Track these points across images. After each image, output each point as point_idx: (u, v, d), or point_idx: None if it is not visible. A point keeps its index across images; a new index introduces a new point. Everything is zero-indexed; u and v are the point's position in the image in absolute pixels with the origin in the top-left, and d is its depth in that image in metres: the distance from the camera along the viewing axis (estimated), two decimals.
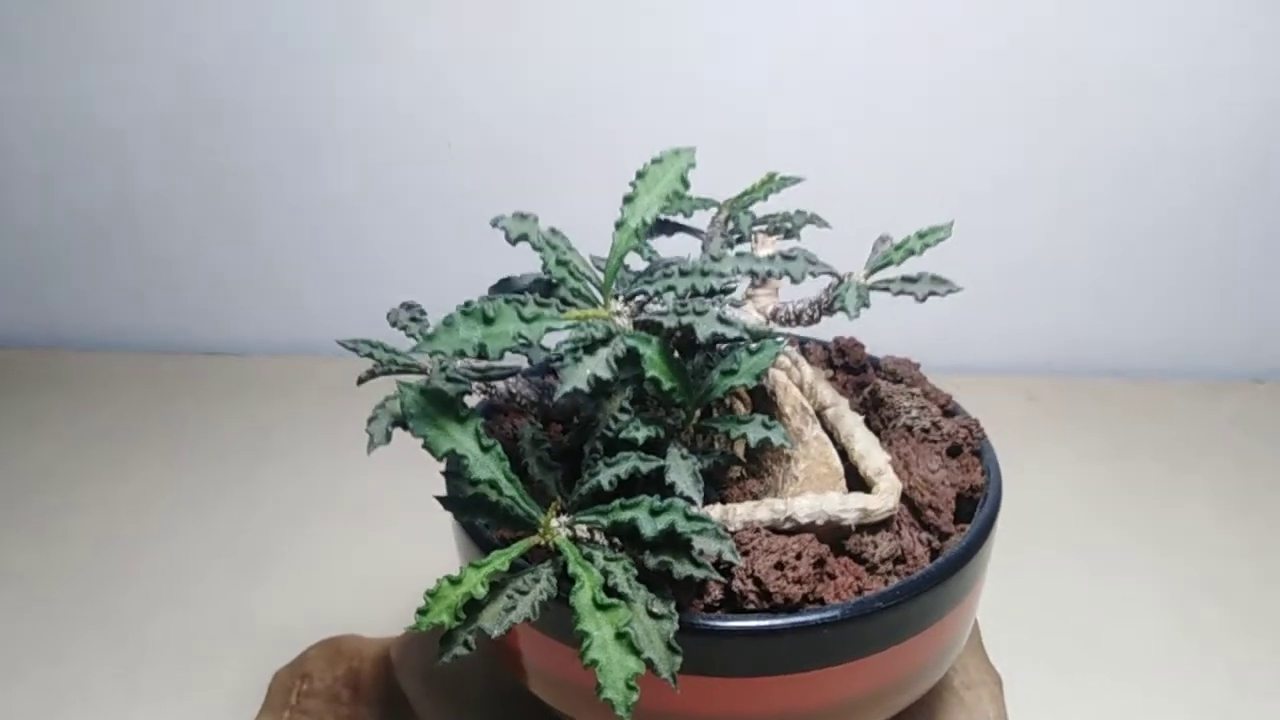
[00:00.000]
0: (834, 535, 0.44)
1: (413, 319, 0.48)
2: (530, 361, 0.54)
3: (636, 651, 0.36)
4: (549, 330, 0.40)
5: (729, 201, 0.58)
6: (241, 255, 1.05)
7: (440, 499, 0.42)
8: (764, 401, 0.48)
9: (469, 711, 0.56)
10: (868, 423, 0.49)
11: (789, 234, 0.55)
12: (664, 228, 0.58)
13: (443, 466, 0.47)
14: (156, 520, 0.82)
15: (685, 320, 0.40)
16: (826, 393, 0.49)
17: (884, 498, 0.44)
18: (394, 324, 0.48)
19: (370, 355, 0.46)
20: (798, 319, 0.46)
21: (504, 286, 0.47)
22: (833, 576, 0.42)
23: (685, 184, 0.42)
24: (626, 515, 0.39)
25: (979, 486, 0.48)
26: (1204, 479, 0.85)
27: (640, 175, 0.42)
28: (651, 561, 0.39)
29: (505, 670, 0.48)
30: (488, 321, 0.39)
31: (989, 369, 1.02)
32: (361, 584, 0.73)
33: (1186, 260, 0.97)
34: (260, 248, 1.05)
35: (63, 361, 1.06)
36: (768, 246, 0.50)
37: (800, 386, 0.47)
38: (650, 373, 0.40)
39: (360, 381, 0.47)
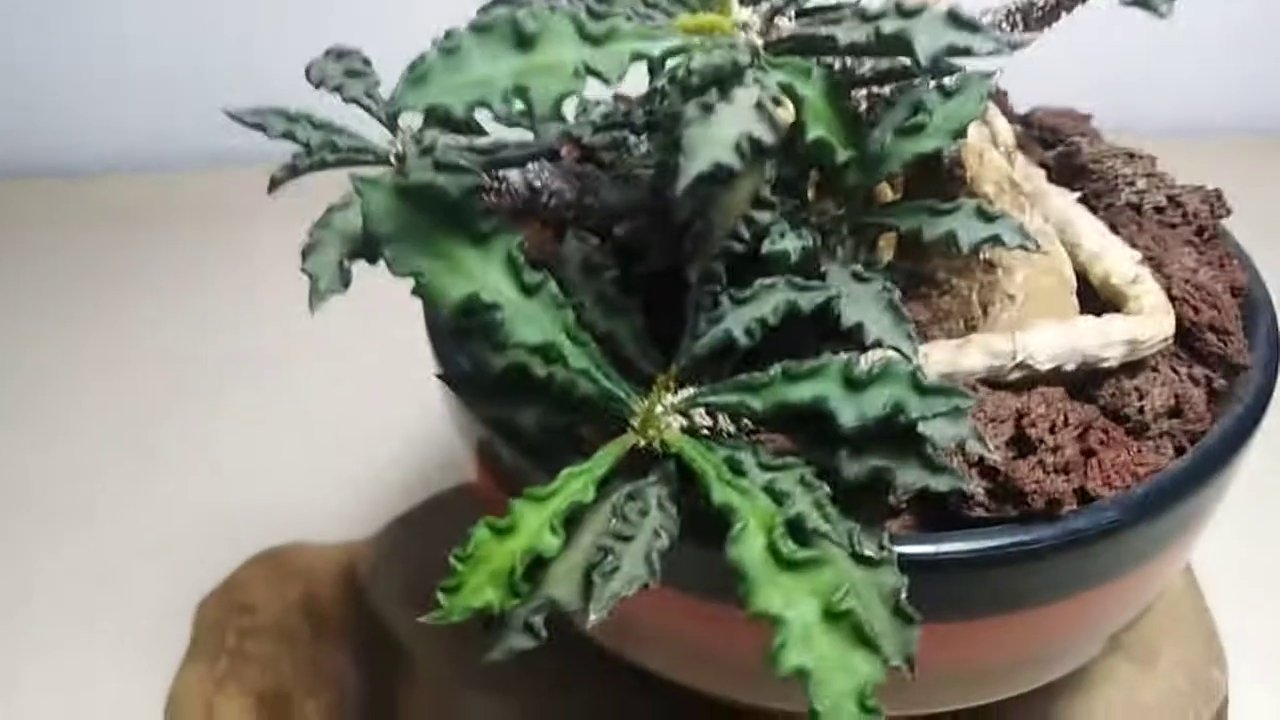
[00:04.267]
0: (1077, 384, 0.28)
1: (349, 73, 0.28)
2: (537, 137, 0.35)
3: (866, 640, 0.20)
4: (636, 58, 0.21)
5: None
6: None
7: (448, 381, 0.25)
8: (932, 179, 0.30)
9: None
10: None
11: None
12: None
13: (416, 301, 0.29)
14: (19, 396, 0.62)
15: (888, 28, 0.21)
16: (1019, 163, 0.31)
17: (1155, 320, 0.28)
18: (319, 84, 0.29)
19: (289, 135, 0.26)
20: (1024, 18, 0.27)
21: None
22: (1092, 453, 0.26)
23: None
24: (806, 393, 0.22)
25: (1241, 287, 0.32)
26: None
27: None
28: (852, 469, 0.22)
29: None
30: (523, 44, 0.20)
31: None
32: (307, 473, 0.56)
33: None
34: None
35: None
36: None
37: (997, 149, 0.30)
38: (813, 133, 0.22)
39: (274, 184, 0.28)
